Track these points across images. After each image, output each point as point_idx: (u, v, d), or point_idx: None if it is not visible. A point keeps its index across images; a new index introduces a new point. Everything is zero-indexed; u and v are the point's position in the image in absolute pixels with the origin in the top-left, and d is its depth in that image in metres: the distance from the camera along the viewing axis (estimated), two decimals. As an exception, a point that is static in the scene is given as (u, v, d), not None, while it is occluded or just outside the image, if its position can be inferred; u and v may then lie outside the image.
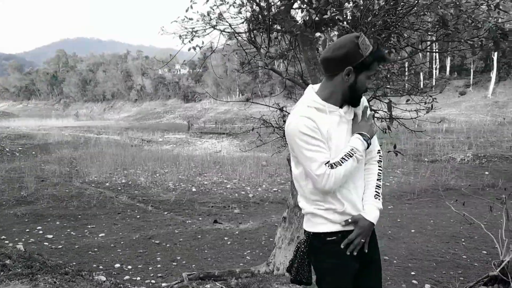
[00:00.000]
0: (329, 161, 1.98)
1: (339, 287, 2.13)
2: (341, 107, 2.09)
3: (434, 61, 53.22)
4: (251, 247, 7.94)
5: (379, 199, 2.16)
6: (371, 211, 2.12)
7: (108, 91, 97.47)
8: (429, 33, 2.96)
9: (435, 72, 53.66)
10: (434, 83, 50.96)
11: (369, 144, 2.08)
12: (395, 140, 22.77)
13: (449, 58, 52.07)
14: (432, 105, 3.42)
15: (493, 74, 47.76)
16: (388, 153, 4.25)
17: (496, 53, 46.03)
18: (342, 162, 1.98)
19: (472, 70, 51.30)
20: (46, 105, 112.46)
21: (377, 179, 2.23)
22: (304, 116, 2.00)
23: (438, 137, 25.70)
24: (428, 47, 3.11)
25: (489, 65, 49.49)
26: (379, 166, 2.25)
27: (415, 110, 3.53)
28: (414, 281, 6.08)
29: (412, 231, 8.56)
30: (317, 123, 1.99)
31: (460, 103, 46.25)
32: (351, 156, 2.00)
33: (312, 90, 2.11)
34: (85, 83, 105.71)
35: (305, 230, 2.20)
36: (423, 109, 3.49)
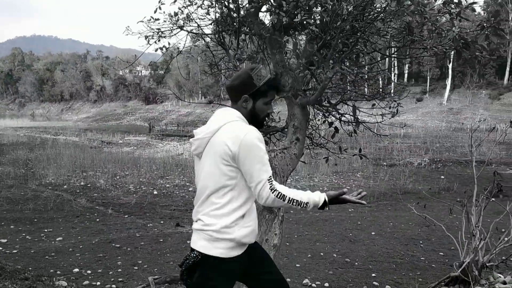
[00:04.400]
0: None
1: None
2: None
3: (392, 68, 54.66)
4: (214, 250, 7.89)
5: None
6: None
7: (66, 91, 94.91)
8: (395, 39, 3.05)
9: (394, 79, 55.13)
10: (392, 90, 52.36)
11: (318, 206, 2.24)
12: (355, 144, 23.29)
13: (407, 65, 53.68)
14: (397, 110, 3.51)
15: (448, 82, 49.63)
16: (353, 157, 4.34)
17: (451, 62, 47.84)
18: (291, 199, 2.15)
19: (428, 78, 53.11)
20: (0, 104, 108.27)
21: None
22: (256, 130, 2.18)
23: (396, 142, 26.42)
24: (394, 53, 3.19)
25: (445, 73, 51.42)
26: None
27: (380, 115, 3.62)
28: (375, 283, 6.19)
29: (372, 233, 8.74)
30: None
31: (417, 109, 47.78)
32: (299, 205, 2.18)
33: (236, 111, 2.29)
34: (42, 83, 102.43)
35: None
36: (388, 114, 3.59)
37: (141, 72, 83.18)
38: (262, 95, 2.23)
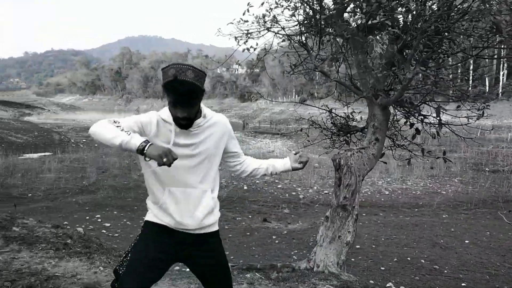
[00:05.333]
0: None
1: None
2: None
3: (501, 67, 50.74)
4: (298, 247, 8.00)
5: None
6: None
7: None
8: (483, 39, 2.91)
9: (502, 79, 51.15)
10: (500, 90, 48.56)
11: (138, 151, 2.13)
12: (454, 147, 22.00)
13: (518, 64, 49.48)
14: (483, 112, 3.33)
15: None
16: (437, 159, 4.19)
17: None
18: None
19: (543, 77, 48.46)
20: (109, 100, 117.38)
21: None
22: (153, 112, 2.43)
23: (502, 146, 24.54)
24: (481, 53, 3.04)
25: None
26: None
27: (465, 117, 3.46)
28: (464, 293, 5.92)
29: (466, 241, 8.29)
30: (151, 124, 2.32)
31: (528, 112, 43.81)
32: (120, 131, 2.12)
33: None
34: (147, 80, 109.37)
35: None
36: (474, 116, 3.41)
37: (237, 70, 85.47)
38: (166, 93, 2.24)
